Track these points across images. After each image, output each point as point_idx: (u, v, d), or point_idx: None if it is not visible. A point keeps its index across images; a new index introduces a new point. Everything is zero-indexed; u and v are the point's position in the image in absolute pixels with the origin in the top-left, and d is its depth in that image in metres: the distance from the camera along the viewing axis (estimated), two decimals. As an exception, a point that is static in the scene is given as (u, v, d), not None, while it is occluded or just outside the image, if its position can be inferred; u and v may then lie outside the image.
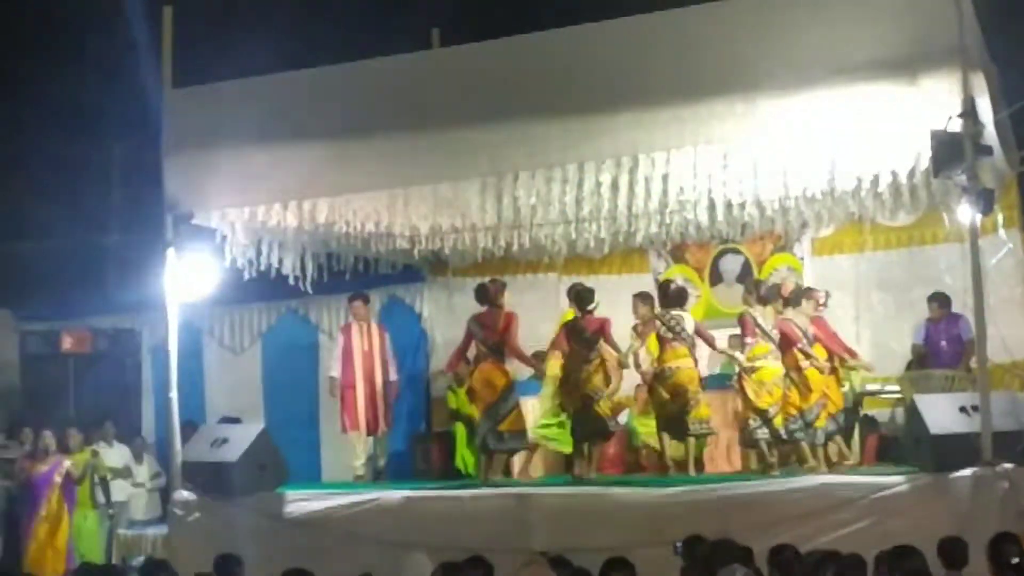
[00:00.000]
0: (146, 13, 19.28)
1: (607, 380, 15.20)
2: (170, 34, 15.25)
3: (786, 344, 14.86)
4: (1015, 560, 9.38)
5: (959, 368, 15.38)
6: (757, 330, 14.87)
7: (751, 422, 14.80)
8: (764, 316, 15.03)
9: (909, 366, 16.15)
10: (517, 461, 16.30)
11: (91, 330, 19.52)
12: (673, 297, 15.39)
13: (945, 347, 15.84)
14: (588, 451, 15.18)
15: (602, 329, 15.13)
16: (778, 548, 9.63)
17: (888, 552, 9.32)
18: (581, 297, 15.37)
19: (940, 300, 15.97)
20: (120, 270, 23.55)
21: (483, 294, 15.41)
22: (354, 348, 16.82)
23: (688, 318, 15.22)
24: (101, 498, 17.48)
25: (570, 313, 15.99)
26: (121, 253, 23.82)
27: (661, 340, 15.07)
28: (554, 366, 15.66)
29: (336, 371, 16.92)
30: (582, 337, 15.11)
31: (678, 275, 18.37)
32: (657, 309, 15.55)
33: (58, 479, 16.90)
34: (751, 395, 14.77)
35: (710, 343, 15.45)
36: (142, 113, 17.71)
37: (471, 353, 15.59)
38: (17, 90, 23.95)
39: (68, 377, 19.18)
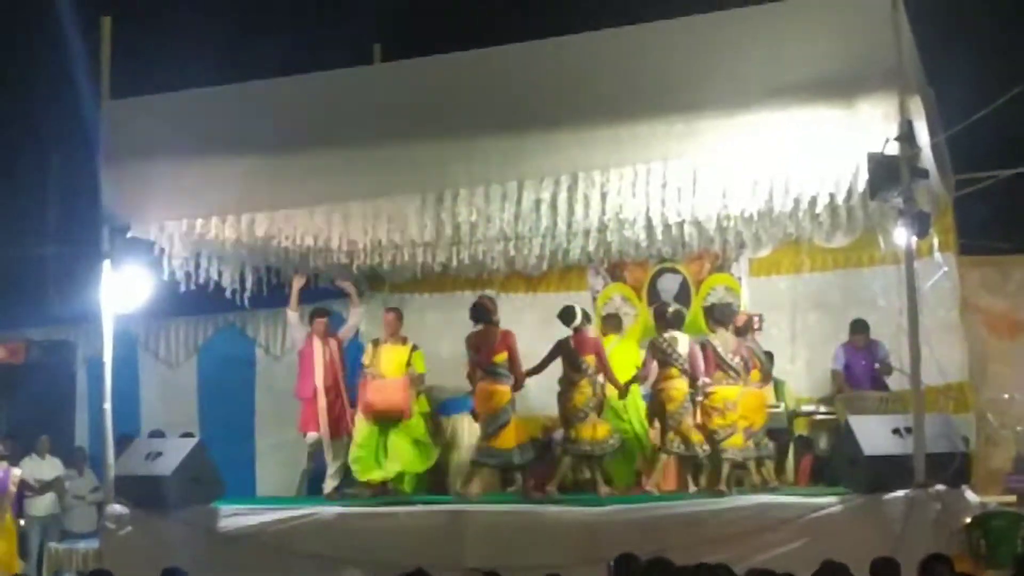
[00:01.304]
0: (84, 24, 19.19)
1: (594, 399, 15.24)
2: (108, 45, 15.15)
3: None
4: (946, 582, 9.46)
5: (882, 390, 15.52)
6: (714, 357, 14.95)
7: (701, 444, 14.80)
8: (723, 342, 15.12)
9: (840, 389, 16.23)
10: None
11: (26, 341, 19.41)
12: (671, 320, 15.39)
13: (865, 371, 15.95)
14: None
15: (597, 348, 15.30)
16: (711, 567, 9.65)
17: (817, 570, 9.38)
18: (563, 317, 15.50)
19: (860, 326, 16.16)
20: (56, 281, 23.33)
21: (481, 312, 15.29)
22: (316, 361, 16.66)
23: (682, 340, 15.21)
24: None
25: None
26: (57, 264, 23.60)
27: (659, 363, 15.07)
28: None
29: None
30: (572, 356, 15.18)
31: (616, 293, 18.44)
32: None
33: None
34: (703, 417, 14.81)
35: (695, 369, 15.27)
36: (79, 124, 17.60)
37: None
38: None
39: (1, 388, 19.05)
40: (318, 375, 16.52)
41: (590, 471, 15.21)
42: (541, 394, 16.17)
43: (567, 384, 14.99)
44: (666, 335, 15.17)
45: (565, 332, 15.24)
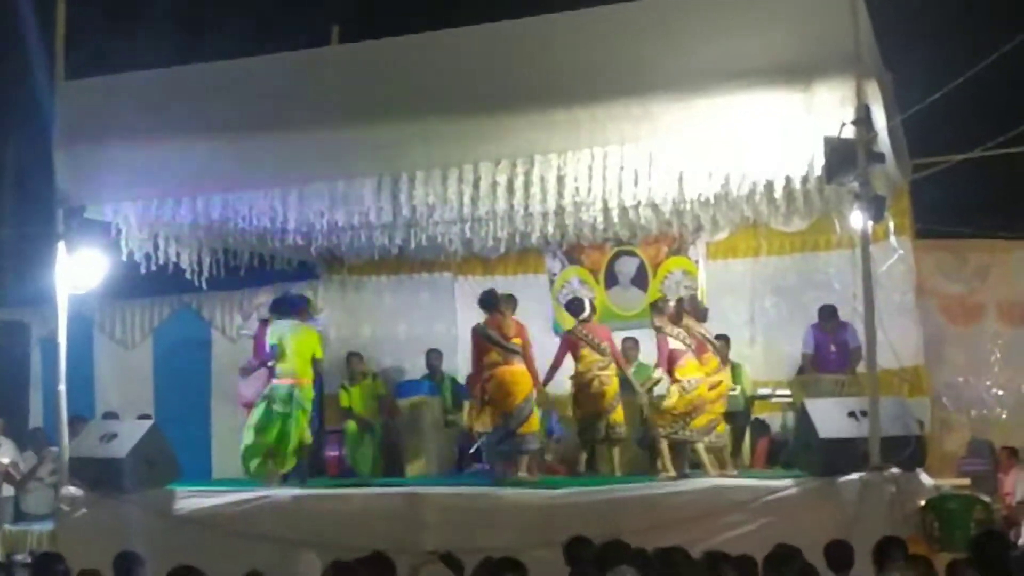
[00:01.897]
0: (38, 4, 19.06)
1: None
2: (63, 26, 15.06)
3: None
4: (900, 563, 9.49)
5: (847, 373, 15.55)
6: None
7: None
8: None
9: (800, 371, 16.27)
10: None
11: (-22, 321, 19.29)
12: (675, 315, 15.39)
13: (834, 354, 16.02)
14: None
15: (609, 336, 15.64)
16: (667, 550, 9.67)
17: (769, 553, 9.42)
18: (572, 309, 15.86)
19: (829, 312, 16.24)
20: (10, 262, 23.28)
21: (491, 301, 15.27)
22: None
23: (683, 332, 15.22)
24: None
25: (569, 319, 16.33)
26: (11, 246, 23.54)
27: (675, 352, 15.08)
28: None
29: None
30: (592, 341, 15.41)
31: (573, 276, 18.48)
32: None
33: None
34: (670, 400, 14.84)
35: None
36: (33, 105, 17.49)
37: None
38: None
39: (-46, 368, 18.95)
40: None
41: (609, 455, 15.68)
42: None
43: (593, 374, 15.29)
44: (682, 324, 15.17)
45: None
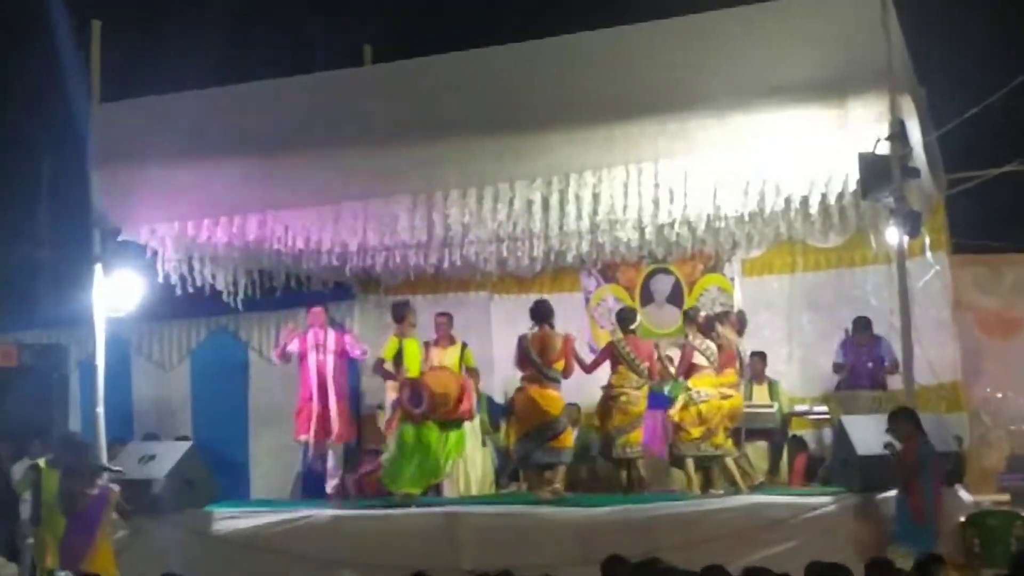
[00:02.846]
0: (74, 27, 19.18)
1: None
2: (98, 48, 15.13)
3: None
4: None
5: (878, 389, 15.51)
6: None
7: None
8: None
9: (838, 386, 16.22)
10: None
11: (17, 345, 19.35)
12: (705, 324, 15.40)
13: (868, 368, 15.91)
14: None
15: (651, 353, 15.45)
16: (709, 569, 9.63)
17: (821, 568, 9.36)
18: (622, 317, 15.72)
19: (864, 323, 16.10)
20: (48, 285, 23.40)
21: (543, 312, 15.21)
22: (308, 365, 16.38)
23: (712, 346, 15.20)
24: None
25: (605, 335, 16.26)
26: (49, 268, 23.69)
27: (694, 366, 15.09)
28: None
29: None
30: (632, 360, 15.26)
31: (609, 294, 18.45)
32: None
33: None
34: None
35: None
36: (70, 128, 17.58)
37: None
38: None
39: (-7, 391, 19.01)
40: (311, 379, 16.32)
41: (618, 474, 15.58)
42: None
43: (623, 391, 15.19)
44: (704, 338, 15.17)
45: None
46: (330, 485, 16.12)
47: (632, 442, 15.20)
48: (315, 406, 16.16)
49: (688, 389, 14.82)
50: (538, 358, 14.89)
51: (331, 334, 16.52)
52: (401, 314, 16.07)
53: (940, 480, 12.16)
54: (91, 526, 12.97)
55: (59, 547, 13.13)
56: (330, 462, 16.23)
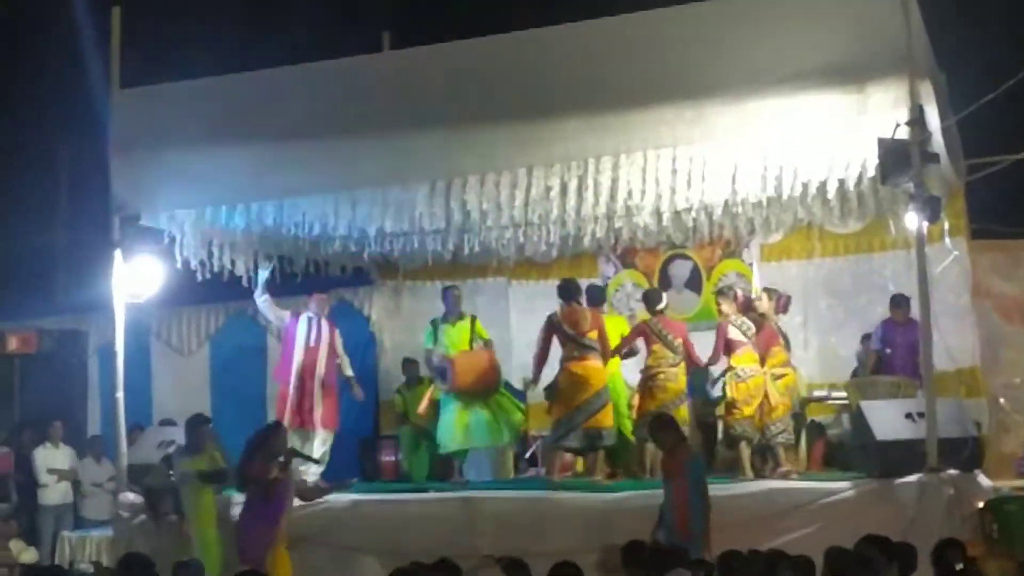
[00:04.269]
0: (94, 13, 19.20)
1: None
2: (118, 34, 15.14)
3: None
4: (959, 566, 9.45)
5: (916, 376, 15.40)
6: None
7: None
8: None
9: (855, 372, 16.18)
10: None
11: (37, 331, 19.41)
12: (743, 304, 15.46)
13: (903, 351, 15.66)
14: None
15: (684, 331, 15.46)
16: (728, 554, 9.65)
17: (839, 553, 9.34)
18: (649, 298, 15.73)
19: (902, 302, 15.69)
20: (67, 271, 23.46)
21: (571, 290, 15.22)
22: (296, 345, 16.01)
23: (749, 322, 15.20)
24: None
25: (642, 315, 16.06)
26: (68, 254, 23.74)
27: (732, 341, 15.07)
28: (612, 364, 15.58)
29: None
30: (665, 337, 15.22)
31: (627, 280, 18.45)
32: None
33: None
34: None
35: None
36: (90, 113, 17.62)
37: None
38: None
39: (14, 378, 19.08)
40: (296, 360, 15.85)
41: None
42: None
43: (660, 370, 15.14)
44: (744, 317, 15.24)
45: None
46: (309, 474, 15.44)
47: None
48: (291, 393, 15.68)
49: (732, 368, 14.82)
50: (571, 330, 14.89)
51: (325, 326, 16.09)
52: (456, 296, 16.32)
53: (704, 490, 12.03)
54: (276, 514, 12.69)
55: (238, 538, 12.90)
56: (316, 450, 15.58)
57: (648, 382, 15.21)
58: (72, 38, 21.33)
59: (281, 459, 12.98)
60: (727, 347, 14.90)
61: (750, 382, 14.64)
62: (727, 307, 15.13)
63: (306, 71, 14.73)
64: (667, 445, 12.32)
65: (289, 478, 13.14)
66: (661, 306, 15.49)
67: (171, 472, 14.21)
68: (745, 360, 14.77)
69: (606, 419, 14.87)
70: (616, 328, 15.98)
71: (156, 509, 14.44)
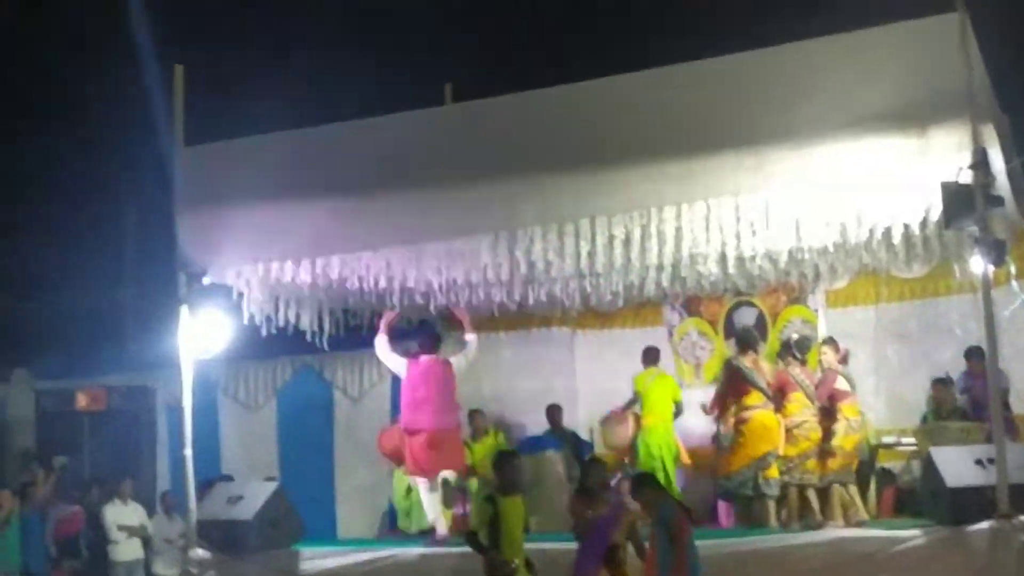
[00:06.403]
0: (158, 73, 19.41)
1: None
2: (182, 93, 15.28)
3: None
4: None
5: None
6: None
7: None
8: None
9: (924, 418, 16.06)
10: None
11: (106, 388, 19.61)
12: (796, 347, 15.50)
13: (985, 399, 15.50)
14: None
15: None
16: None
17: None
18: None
19: (977, 353, 15.36)
20: (134, 328, 23.66)
21: (749, 340, 15.54)
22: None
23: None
24: None
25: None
26: (135, 311, 23.95)
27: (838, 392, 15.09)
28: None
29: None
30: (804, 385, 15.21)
31: (692, 328, 18.42)
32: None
33: None
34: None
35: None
36: (155, 171, 17.78)
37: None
38: (32, 150, 24.07)
39: (83, 435, 19.25)
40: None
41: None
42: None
43: (806, 416, 15.04)
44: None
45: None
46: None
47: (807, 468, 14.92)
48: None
49: (847, 418, 14.82)
50: (759, 378, 15.01)
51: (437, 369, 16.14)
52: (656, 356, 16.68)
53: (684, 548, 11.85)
54: (596, 550, 12.44)
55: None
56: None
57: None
58: (136, 97, 21.56)
59: (594, 495, 12.91)
60: (833, 397, 14.86)
61: (858, 434, 14.80)
62: (832, 357, 15.12)
63: (369, 125, 14.77)
64: (645, 501, 12.16)
65: (612, 514, 12.79)
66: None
67: None
68: (853, 411, 14.84)
69: (775, 472, 14.94)
70: (665, 386, 16.15)
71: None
